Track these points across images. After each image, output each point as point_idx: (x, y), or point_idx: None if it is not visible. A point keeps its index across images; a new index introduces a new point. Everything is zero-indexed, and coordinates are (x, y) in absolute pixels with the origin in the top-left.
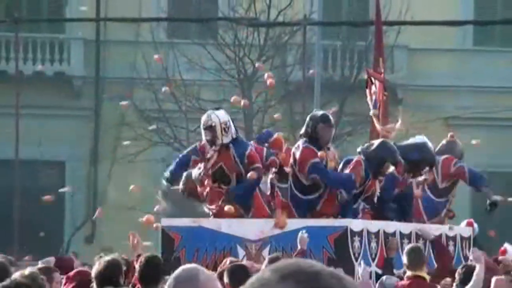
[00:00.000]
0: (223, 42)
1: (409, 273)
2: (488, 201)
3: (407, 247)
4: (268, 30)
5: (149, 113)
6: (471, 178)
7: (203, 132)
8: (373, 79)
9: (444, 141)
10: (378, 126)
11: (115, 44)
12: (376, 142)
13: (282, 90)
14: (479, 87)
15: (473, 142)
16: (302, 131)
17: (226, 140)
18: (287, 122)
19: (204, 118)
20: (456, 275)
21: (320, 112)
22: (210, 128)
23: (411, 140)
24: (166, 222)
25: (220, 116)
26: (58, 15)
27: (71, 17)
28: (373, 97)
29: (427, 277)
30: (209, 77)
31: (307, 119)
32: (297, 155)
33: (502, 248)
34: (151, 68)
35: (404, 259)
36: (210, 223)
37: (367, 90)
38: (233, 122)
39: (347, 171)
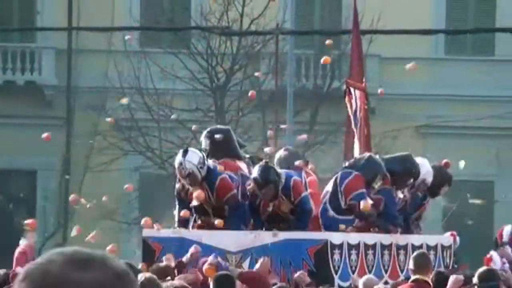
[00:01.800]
0: (195, 51)
1: (414, 277)
2: None
3: (415, 252)
4: (240, 39)
5: (122, 122)
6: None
7: (183, 180)
8: (352, 89)
9: (437, 163)
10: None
11: (87, 53)
12: (363, 157)
13: (255, 99)
14: (451, 96)
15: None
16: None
17: (204, 173)
18: (260, 131)
19: (177, 166)
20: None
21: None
22: (189, 176)
23: (396, 154)
24: (147, 232)
25: (192, 159)
26: (29, 24)
27: (42, 26)
28: (353, 109)
29: (431, 283)
30: (182, 86)
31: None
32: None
33: (488, 256)
34: (124, 77)
35: (411, 264)
36: (191, 234)
37: (347, 102)
38: (201, 151)
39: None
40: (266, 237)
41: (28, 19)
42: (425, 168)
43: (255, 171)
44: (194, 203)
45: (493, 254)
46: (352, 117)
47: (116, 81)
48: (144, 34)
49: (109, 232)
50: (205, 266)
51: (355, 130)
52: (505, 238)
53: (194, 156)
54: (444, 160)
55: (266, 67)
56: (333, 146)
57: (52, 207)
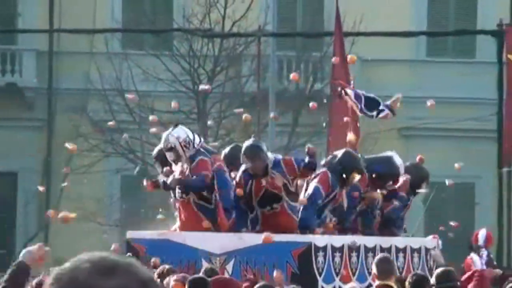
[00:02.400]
0: (178, 53)
1: (377, 282)
2: None
3: (376, 257)
4: (222, 41)
5: (103, 124)
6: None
7: (166, 153)
8: (346, 90)
9: (408, 163)
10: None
11: (68, 55)
12: (339, 153)
13: (237, 101)
14: (433, 98)
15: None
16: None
17: (190, 154)
18: (241, 133)
19: (162, 140)
20: (407, 284)
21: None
22: (171, 150)
23: (378, 155)
24: (131, 234)
25: (178, 135)
26: (11, 26)
27: (23, 28)
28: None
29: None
30: (164, 88)
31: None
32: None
33: (468, 258)
34: (105, 79)
35: (374, 269)
36: (175, 236)
37: (348, 101)
38: (193, 132)
39: (313, 184)
40: (250, 239)
41: (9, 21)
42: (398, 161)
43: (244, 147)
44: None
45: (474, 256)
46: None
47: (98, 83)
48: (126, 36)
49: (91, 234)
50: (172, 283)
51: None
52: (481, 241)
53: (181, 132)
54: (418, 156)
55: (248, 69)
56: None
57: (33, 209)
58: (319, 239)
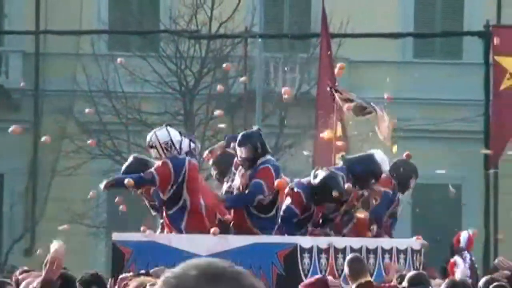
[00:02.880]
0: (164, 55)
1: (353, 285)
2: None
3: (347, 258)
4: (209, 43)
5: (90, 125)
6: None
7: (149, 150)
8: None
9: (396, 160)
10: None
11: (55, 57)
12: (320, 173)
13: (224, 102)
14: (419, 99)
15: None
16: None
17: (171, 154)
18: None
19: (147, 136)
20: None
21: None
22: (152, 148)
23: (359, 154)
24: (117, 236)
25: (160, 136)
26: None
27: (10, 29)
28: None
29: (372, 281)
30: (151, 89)
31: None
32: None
33: (452, 261)
34: (92, 81)
35: (346, 270)
36: (161, 238)
37: (339, 101)
38: (181, 134)
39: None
40: (235, 241)
41: None
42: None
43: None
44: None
45: (457, 259)
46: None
47: (84, 84)
48: (112, 37)
49: (77, 235)
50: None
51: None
52: (462, 243)
53: (163, 134)
54: (405, 152)
55: (235, 70)
56: (302, 150)
57: (19, 211)
58: (304, 241)
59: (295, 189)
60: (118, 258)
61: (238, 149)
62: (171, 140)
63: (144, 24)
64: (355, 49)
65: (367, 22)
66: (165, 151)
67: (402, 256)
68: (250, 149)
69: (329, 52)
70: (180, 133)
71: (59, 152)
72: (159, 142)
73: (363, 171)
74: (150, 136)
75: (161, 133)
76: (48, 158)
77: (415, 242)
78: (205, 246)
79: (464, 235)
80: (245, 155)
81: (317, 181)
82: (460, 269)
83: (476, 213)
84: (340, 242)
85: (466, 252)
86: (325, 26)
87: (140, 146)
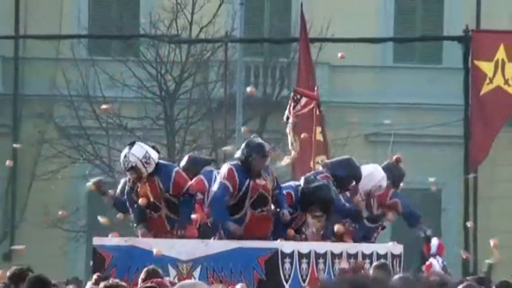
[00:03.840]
0: (144, 59)
1: None
2: (423, 234)
3: (374, 263)
4: (190, 47)
5: (70, 130)
6: (405, 214)
7: (127, 173)
8: (299, 97)
9: (386, 162)
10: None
11: (34, 61)
12: (303, 180)
13: (204, 107)
14: (400, 104)
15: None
16: (237, 154)
17: (151, 169)
18: (209, 139)
19: (122, 160)
20: None
21: (256, 141)
22: (132, 169)
23: (338, 158)
24: (97, 241)
25: (137, 153)
26: None
27: None
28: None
29: None
30: (131, 94)
31: (243, 145)
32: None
33: (428, 263)
34: (72, 85)
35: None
36: (142, 242)
37: (293, 107)
38: (153, 149)
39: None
40: (216, 246)
41: None
42: (380, 174)
43: (252, 143)
44: (143, 201)
45: (433, 261)
46: (295, 122)
47: (64, 89)
48: (92, 42)
49: (57, 240)
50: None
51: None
52: (433, 250)
53: (140, 150)
54: (395, 156)
55: (215, 75)
56: (282, 154)
57: None
58: (286, 246)
59: (284, 191)
60: (99, 263)
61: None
62: (147, 152)
63: (124, 29)
64: (335, 54)
65: (347, 26)
66: (146, 165)
67: (382, 261)
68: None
69: (308, 57)
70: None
71: (39, 156)
72: (140, 159)
73: (344, 175)
74: (126, 158)
75: (136, 150)
76: (28, 162)
77: (395, 247)
78: (186, 251)
79: (434, 242)
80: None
81: (308, 186)
82: (437, 270)
83: (456, 218)
84: (320, 247)
85: (437, 257)
86: (304, 31)
87: (120, 151)
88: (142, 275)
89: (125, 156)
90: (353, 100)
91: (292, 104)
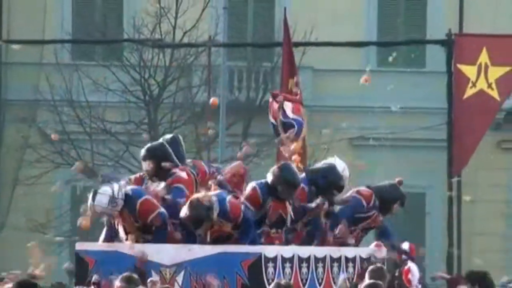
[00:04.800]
0: (128, 64)
1: None
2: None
3: (370, 267)
4: (173, 52)
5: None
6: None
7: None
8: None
9: (387, 182)
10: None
11: (17, 66)
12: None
13: (188, 111)
14: (383, 108)
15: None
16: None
17: (120, 207)
18: (193, 144)
19: (89, 207)
20: None
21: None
22: (103, 215)
23: (321, 164)
24: (80, 246)
25: (101, 202)
26: None
27: None
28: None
29: None
30: (114, 98)
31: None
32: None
33: (406, 268)
34: (55, 90)
35: (367, 277)
36: (125, 247)
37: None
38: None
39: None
40: (200, 250)
41: None
42: (341, 165)
43: (186, 211)
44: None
45: (411, 265)
46: (281, 128)
47: (48, 93)
48: (76, 47)
49: (40, 245)
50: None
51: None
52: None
53: (103, 198)
54: (398, 178)
55: (198, 79)
56: (266, 158)
57: None
58: (269, 250)
59: (252, 186)
60: (82, 268)
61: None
62: (111, 194)
63: (107, 33)
64: (319, 58)
65: (331, 30)
66: (114, 207)
67: (365, 264)
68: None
69: (291, 61)
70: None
71: (22, 161)
72: (106, 207)
73: (326, 183)
74: (93, 208)
75: (99, 201)
76: (11, 167)
77: (378, 251)
78: (169, 256)
79: (404, 246)
80: (208, 228)
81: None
82: (415, 275)
83: (439, 222)
84: (304, 251)
85: (409, 261)
86: (288, 35)
87: (104, 155)
88: (117, 283)
89: (91, 207)
90: (336, 104)
91: (280, 111)
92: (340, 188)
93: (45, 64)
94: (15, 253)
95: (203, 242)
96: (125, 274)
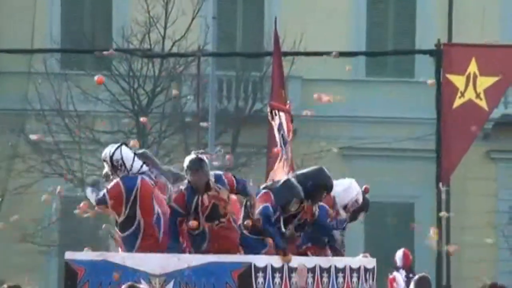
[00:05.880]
0: (117, 73)
1: None
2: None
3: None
4: (162, 61)
5: (42, 144)
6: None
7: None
8: (277, 112)
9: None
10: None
11: (6, 75)
12: (280, 180)
13: (177, 121)
14: (372, 118)
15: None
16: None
17: (122, 174)
18: (182, 153)
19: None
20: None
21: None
22: (104, 161)
23: (308, 169)
24: (69, 255)
25: (112, 152)
26: None
27: None
28: (281, 132)
29: None
30: (104, 108)
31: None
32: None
33: (391, 277)
34: (44, 100)
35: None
36: (115, 257)
37: (274, 126)
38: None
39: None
40: (190, 260)
41: None
42: (355, 188)
43: (187, 161)
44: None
45: (396, 274)
46: (278, 139)
47: (36, 103)
48: (65, 56)
49: (28, 254)
50: None
51: (282, 152)
52: (398, 262)
53: (117, 152)
54: (364, 186)
55: (188, 89)
56: (255, 168)
57: None
58: (259, 260)
59: (263, 190)
60: (71, 277)
61: (192, 177)
62: (122, 159)
63: (96, 43)
64: (308, 67)
65: (320, 40)
66: (112, 168)
67: (355, 275)
68: (205, 174)
69: (281, 70)
70: (135, 154)
71: (10, 171)
72: (111, 159)
73: (315, 185)
74: (105, 152)
75: (114, 150)
76: None
77: (368, 261)
78: (159, 266)
79: (398, 254)
80: (205, 180)
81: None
82: (399, 284)
83: (428, 231)
84: (293, 261)
85: (402, 270)
86: (277, 44)
87: (93, 165)
88: None
89: (106, 150)
90: (326, 114)
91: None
92: (329, 189)
93: (34, 74)
94: (3, 262)
95: (196, 214)
96: (129, 282)
